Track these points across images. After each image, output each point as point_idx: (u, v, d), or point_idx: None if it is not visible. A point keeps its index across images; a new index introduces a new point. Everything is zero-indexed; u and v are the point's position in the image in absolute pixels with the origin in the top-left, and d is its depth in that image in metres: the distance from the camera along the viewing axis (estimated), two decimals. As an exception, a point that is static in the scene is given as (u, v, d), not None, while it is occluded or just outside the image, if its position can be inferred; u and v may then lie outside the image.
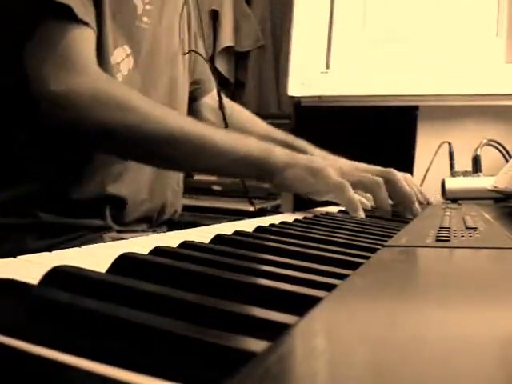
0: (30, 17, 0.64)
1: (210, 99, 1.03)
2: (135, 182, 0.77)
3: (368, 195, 0.73)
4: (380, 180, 0.68)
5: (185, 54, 0.91)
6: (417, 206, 0.71)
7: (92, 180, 0.72)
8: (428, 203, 0.90)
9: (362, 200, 0.72)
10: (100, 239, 0.72)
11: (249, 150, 0.66)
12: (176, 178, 0.90)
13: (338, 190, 0.64)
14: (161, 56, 0.82)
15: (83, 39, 0.65)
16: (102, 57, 0.70)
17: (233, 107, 1.04)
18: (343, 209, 0.79)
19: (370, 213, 0.70)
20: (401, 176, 0.74)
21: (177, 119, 0.67)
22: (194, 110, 0.98)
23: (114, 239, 0.72)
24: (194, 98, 0.98)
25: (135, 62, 0.76)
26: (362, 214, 0.64)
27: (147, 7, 0.78)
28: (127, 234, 0.75)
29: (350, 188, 0.64)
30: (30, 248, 0.67)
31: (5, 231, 0.70)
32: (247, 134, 0.81)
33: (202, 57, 0.99)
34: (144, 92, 0.75)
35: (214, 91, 1.04)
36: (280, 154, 0.67)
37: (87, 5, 0.66)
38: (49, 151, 0.71)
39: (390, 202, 0.71)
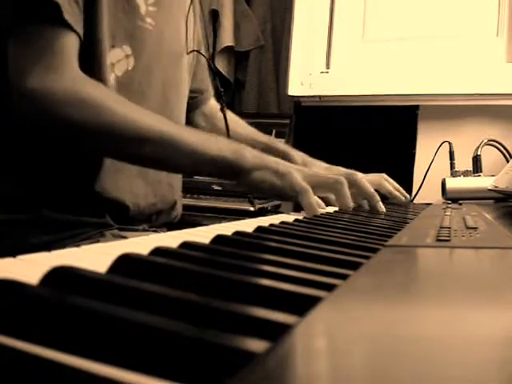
0: (18, 15, 0.65)
1: (206, 107, 1.04)
2: (136, 188, 0.78)
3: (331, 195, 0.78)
4: (342, 179, 0.72)
5: (188, 53, 0.91)
6: (381, 204, 0.78)
7: (89, 183, 0.73)
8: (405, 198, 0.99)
9: (319, 202, 0.76)
10: (101, 236, 0.72)
11: (220, 150, 0.69)
12: (178, 180, 0.90)
13: (301, 193, 0.68)
14: (163, 57, 0.82)
15: (66, 43, 0.66)
16: (95, 57, 0.70)
17: (216, 108, 1.05)
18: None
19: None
20: (363, 176, 0.81)
21: (149, 119, 0.68)
22: (188, 119, 0.98)
23: (114, 236, 0.73)
24: (190, 108, 0.98)
25: (136, 63, 0.76)
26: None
27: (150, 8, 0.78)
28: (128, 232, 0.75)
29: (311, 193, 0.69)
30: (32, 243, 0.68)
31: (7, 227, 0.70)
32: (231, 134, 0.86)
33: (204, 56, 1.00)
34: (139, 92, 0.76)
35: (211, 100, 1.05)
36: (249, 155, 0.70)
37: (75, 9, 0.66)
38: (38, 151, 0.72)
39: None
